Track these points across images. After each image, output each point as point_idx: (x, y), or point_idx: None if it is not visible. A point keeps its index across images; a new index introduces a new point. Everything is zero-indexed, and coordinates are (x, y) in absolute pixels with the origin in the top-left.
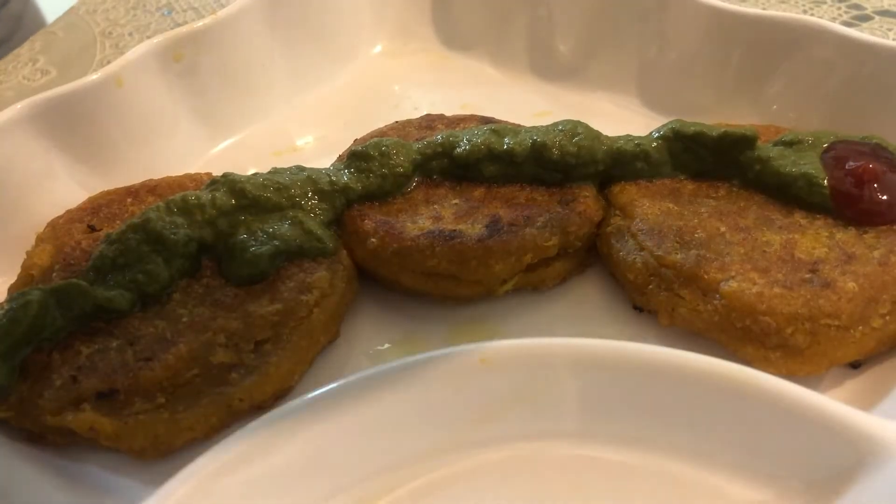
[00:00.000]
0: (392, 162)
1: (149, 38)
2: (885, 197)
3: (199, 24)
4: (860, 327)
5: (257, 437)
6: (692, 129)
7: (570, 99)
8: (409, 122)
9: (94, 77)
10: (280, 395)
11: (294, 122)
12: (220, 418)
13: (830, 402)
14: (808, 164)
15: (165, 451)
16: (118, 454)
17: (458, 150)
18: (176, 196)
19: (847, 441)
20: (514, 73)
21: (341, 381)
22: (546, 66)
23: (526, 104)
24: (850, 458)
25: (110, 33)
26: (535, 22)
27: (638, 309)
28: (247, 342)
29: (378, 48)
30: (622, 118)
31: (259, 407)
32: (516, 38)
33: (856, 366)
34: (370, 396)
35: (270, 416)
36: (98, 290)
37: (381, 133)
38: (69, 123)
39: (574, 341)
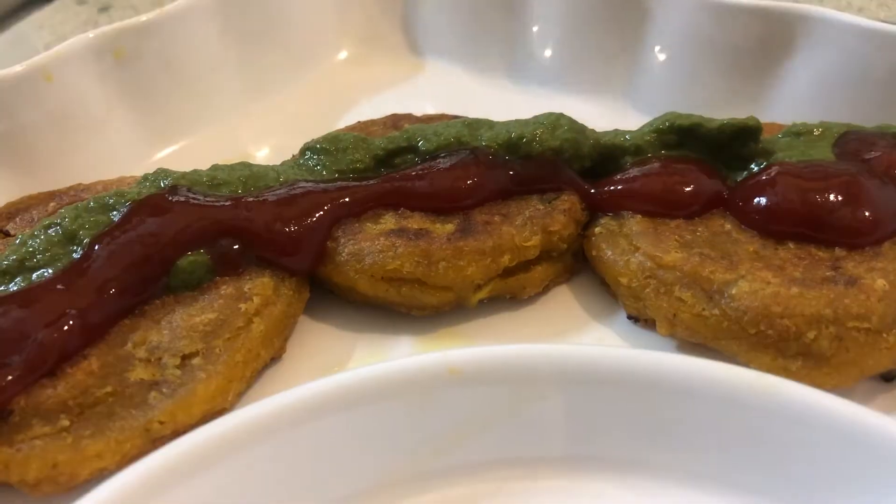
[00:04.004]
0: (350, 157)
1: None
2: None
3: (143, 17)
4: (894, 331)
5: (172, 462)
6: (689, 120)
7: (554, 104)
8: (372, 121)
9: (18, 68)
10: (210, 420)
11: (247, 131)
12: (135, 445)
13: (871, 414)
14: (820, 156)
15: (67, 485)
16: (8, 490)
17: (425, 144)
18: (99, 195)
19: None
20: (491, 80)
21: (277, 397)
22: (526, 72)
23: (505, 113)
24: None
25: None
26: (512, 25)
27: (633, 319)
28: (172, 356)
29: (343, 54)
30: (611, 122)
31: (185, 433)
32: (493, 42)
33: (889, 378)
34: (313, 416)
35: (190, 438)
36: None
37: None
38: None
39: (559, 348)
